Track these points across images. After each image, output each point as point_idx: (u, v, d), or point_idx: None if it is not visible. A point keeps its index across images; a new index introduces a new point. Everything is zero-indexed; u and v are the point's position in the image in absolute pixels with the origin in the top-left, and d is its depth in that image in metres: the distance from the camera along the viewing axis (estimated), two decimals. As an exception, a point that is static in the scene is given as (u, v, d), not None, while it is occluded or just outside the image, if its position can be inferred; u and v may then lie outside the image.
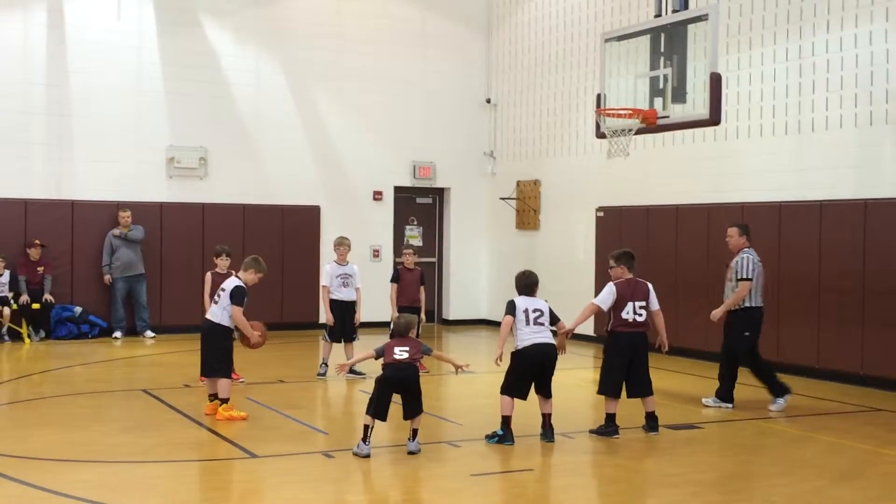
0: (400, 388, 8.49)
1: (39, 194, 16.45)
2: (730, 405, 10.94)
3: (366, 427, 8.36)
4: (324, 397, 12.01)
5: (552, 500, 7.63)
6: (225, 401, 9.85)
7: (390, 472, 8.07)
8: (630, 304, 9.47)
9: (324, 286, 12.78)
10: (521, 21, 18.91)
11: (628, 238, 15.81)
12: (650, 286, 9.69)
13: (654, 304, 9.68)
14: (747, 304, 10.88)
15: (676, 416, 10.29)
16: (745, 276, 10.80)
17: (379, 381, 8.54)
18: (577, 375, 13.05)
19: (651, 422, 9.61)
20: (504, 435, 8.97)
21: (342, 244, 12.86)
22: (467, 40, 19.65)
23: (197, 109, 17.50)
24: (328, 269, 12.87)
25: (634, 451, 9.04)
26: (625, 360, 9.52)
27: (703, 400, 11.14)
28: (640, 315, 9.50)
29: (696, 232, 14.75)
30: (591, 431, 9.53)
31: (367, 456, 8.30)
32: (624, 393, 9.57)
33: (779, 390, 10.95)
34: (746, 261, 10.86)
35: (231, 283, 10.02)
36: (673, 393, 11.77)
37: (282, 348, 15.31)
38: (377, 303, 15.79)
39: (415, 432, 8.56)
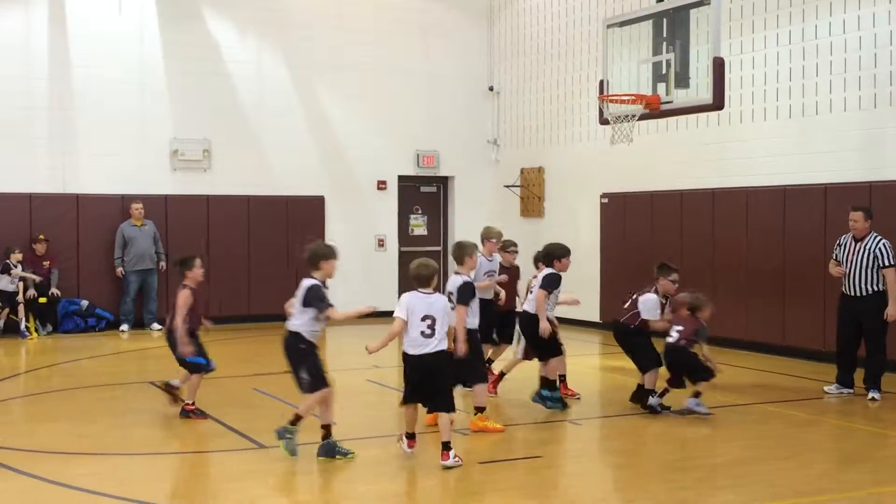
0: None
1: (44, 189, 16.46)
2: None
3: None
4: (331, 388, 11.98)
5: (561, 487, 7.64)
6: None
7: (398, 461, 8.09)
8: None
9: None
10: (522, 8, 18.86)
11: (632, 224, 15.81)
12: (640, 298, 10.14)
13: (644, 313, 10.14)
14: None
15: (683, 402, 10.29)
16: (889, 263, 10.46)
17: None
18: (584, 363, 13.06)
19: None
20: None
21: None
22: (469, 28, 19.59)
23: (200, 101, 17.48)
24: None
25: (641, 437, 9.06)
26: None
27: (826, 387, 10.96)
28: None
29: (700, 217, 14.72)
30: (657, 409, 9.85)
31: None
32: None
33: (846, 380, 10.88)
34: (886, 246, 10.49)
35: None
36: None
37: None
38: (382, 293, 15.78)
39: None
